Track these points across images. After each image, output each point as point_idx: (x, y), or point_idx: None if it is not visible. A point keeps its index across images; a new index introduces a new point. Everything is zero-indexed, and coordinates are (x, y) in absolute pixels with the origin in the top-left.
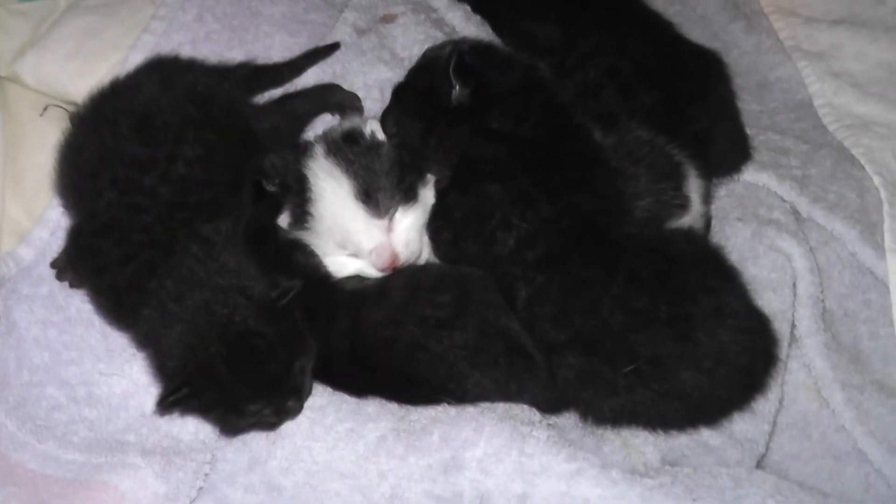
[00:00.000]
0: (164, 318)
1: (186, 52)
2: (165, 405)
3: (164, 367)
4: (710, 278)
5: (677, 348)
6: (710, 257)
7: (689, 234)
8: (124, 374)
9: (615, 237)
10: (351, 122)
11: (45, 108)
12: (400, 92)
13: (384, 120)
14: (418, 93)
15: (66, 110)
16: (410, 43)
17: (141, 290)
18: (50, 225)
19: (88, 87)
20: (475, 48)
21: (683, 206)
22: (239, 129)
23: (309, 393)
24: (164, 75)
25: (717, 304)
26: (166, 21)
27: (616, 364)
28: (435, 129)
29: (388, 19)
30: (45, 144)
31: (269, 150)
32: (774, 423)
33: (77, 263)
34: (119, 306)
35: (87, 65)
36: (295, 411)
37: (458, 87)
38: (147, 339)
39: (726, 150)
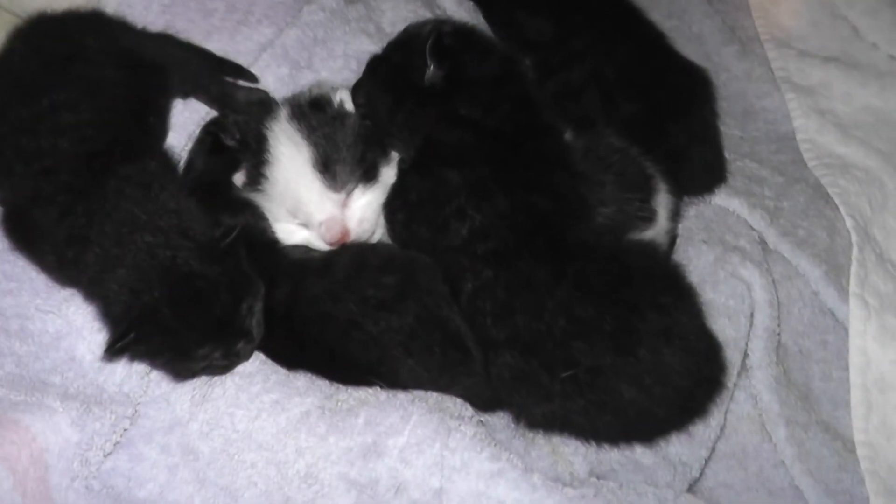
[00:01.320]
0: (107, 264)
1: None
2: (112, 351)
3: (109, 314)
4: (662, 295)
5: (618, 362)
6: (667, 274)
7: (648, 247)
8: (60, 313)
9: (569, 242)
10: (321, 88)
11: None
12: (374, 64)
13: (355, 91)
14: (392, 67)
15: None
16: (398, 20)
17: (82, 240)
18: None
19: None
20: (458, 31)
21: (649, 219)
22: (122, 61)
23: (260, 335)
24: (30, 31)
25: (666, 323)
26: None
27: (553, 370)
28: (403, 105)
29: None
30: None
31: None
32: (713, 450)
33: (16, 241)
34: (62, 263)
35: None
36: (246, 354)
37: (432, 67)
38: (92, 287)
39: (701, 171)
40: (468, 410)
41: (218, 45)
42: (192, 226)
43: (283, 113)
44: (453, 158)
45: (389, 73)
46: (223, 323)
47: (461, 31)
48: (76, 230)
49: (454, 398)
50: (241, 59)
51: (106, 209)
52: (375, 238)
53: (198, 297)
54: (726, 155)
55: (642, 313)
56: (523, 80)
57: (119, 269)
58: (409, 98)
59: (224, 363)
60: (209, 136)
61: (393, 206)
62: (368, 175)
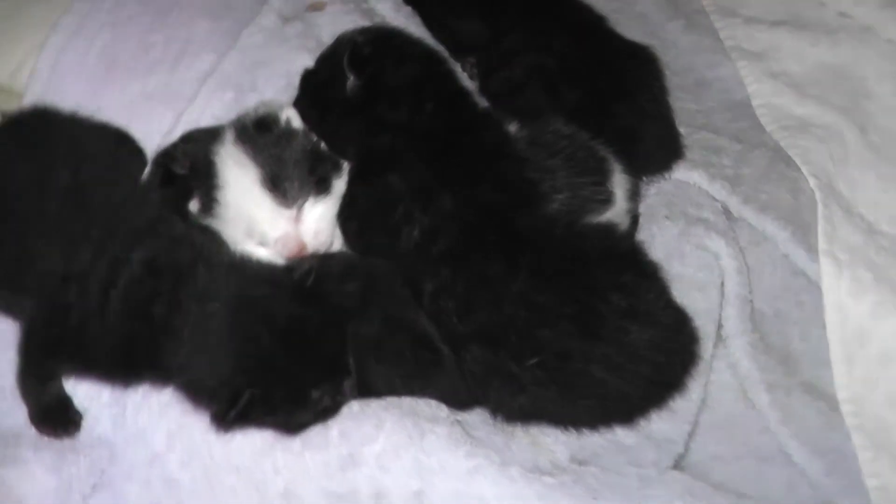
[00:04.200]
0: (201, 339)
1: (107, 35)
2: (230, 420)
3: (206, 386)
4: (623, 275)
5: (584, 345)
6: (627, 254)
7: (606, 229)
8: None
9: (522, 231)
10: (267, 107)
11: None
12: (306, 79)
13: (296, 108)
14: (320, 81)
15: None
16: (337, 32)
17: (164, 331)
18: None
19: (8, 69)
20: (377, 38)
21: (606, 201)
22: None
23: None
24: None
25: (629, 301)
26: (88, 3)
27: (521, 359)
28: (331, 118)
29: (316, 7)
30: None
31: None
32: (696, 424)
33: (57, 361)
34: (129, 364)
35: (6, 46)
36: (351, 391)
37: (351, 79)
38: (181, 370)
39: (656, 148)
40: (443, 411)
41: (160, 79)
42: (274, 273)
43: (229, 136)
44: (391, 163)
45: (318, 86)
46: (333, 360)
47: (381, 38)
48: (153, 325)
49: (428, 401)
50: (186, 89)
51: (183, 292)
52: (335, 248)
53: (307, 336)
54: (682, 129)
55: (603, 294)
56: (448, 77)
57: (217, 337)
58: (336, 110)
59: (332, 406)
60: (160, 168)
61: (344, 216)
62: (320, 188)
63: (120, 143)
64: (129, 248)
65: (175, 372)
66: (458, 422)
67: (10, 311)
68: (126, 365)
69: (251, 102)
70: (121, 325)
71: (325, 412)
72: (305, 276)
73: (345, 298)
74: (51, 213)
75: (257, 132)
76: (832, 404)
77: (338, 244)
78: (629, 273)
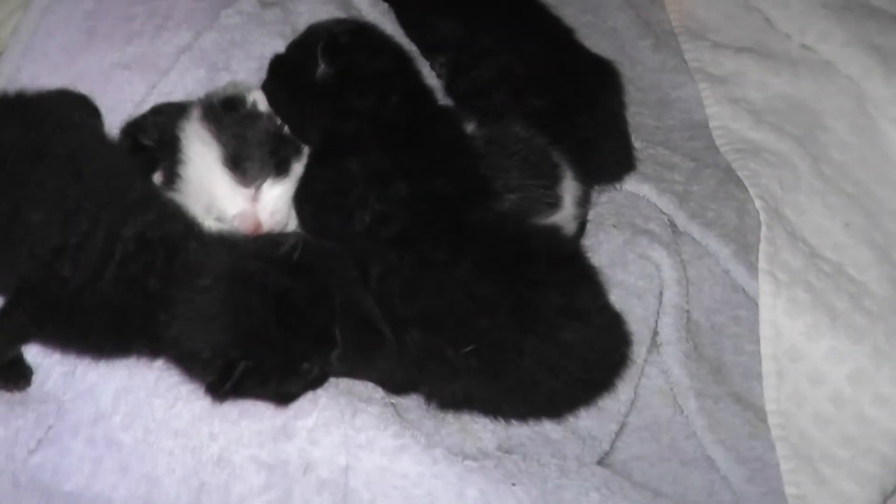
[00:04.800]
0: (194, 312)
1: (91, 2)
2: (226, 391)
3: (200, 358)
4: (562, 274)
5: (518, 338)
6: (569, 255)
7: (551, 230)
8: None
9: (470, 223)
10: (236, 88)
11: None
12: (275, 63)
13: (263, 90)
14: (290, 66)
15: None
16: (314, 21)
17: (159, 304)
18: None
19: None
20: (354, 30)
21: (554, 204)
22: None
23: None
24: None
25: (565, 300)
26: None
27: (457, 345)
28: (298, 101)
29: None
30: None
31: None
32: (624, 424)
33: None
34: (122, 336)
35: None
36: (335, 363)
37: (323, 66)
38: (174, 342)
39: (609, 160)
40: (378, 392)
41: (138, 49)
42: (264, 247)
43: (195, 113)
44: (351, 148)
45: (287, 71)
46: (323, 332)
47: (358, 30)
48: (142, 297)
49: (365, 383)
50: (161, 62)
51: (176, 264)
52: (289, 228)
53: (298, 309)
54: (639, 143)
55: (542, 291)
56: (415, 74)
57: (210, 308)
58: (304, 94)
59: (320, 375)
60: (128, 137)
61: (300, 197)
62: (279, 169)
63: (80, 106)
64: (123, 222)
65: (168, 344)
66: (392, 404)
67: None
68: (118, 337)
69: (222, 81)
70: (115, 297)
71: (314, 382)
72: (292, 249)
73: (329, 272)
74: (44, 183)
75: (223, 111)
76: (759, 415)
77: (293, 224)
78: (568, 273)
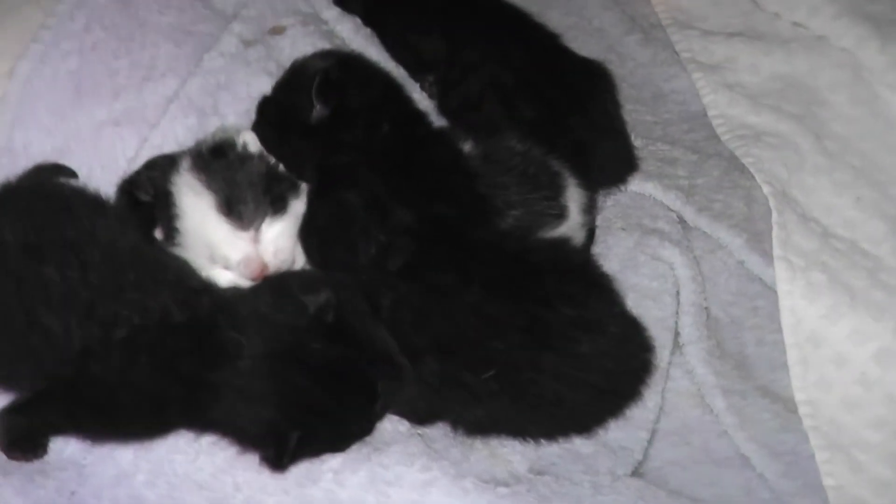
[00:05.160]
0: (235, 393)
1: (74, 62)
2: (285, 462)
3: (250, 433)
4: (573, 287)
5: (535, 356)
6: (577, 267)
7: (557, 243)
8: None
9: (474, 245)
10: (225, 132)
11: None
12: (263, 106)
13: (254, 132)
14: (279, 107)
15: None
16: (298, 55)
17: (195, 386)
18: None
19: None
20: (341, 63)
21: (559, 215)
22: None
23: None
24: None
25: (579, 312)
26: (54, 30)
27: (475, 370)
28: (289, 142)
29: (277, 31)
30: None
31: None
32: (654, 431)
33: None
34: (160, 422)
35: None
36: (381, 416)
37: (318, 107)
38: (218, 422)
39: (610, 162)
40: (403, 426)
41: (126, 104)
42: (295, 314)
43: (185, 164)
44: (347, 181)
45: (276, 113)
46: (366, 390)
47: (344, 64)
48: (192, 383)
49: (389, 416)
50: (150, 114)
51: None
52: (298, 266)
53: (342, 375)
54: (639, 141)
55: (554, 306)
56: (403, 99)
57: (260, 386)
58: (294, 133)
59: (369, 426)
60: (125, 195)
61: (305, 233)
62: (276, 207)
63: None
64: (143, 308)
65: (211, 423)
66: (419, 435)
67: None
68: (157, 424)
69: (213, 126)
70: (150, 386)
71: (363, 433)
72: (324, 311)
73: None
74: (51, 283)
75: (212, 158)
76: (788, 406)
77: (300, 261)
78: (579, 284)
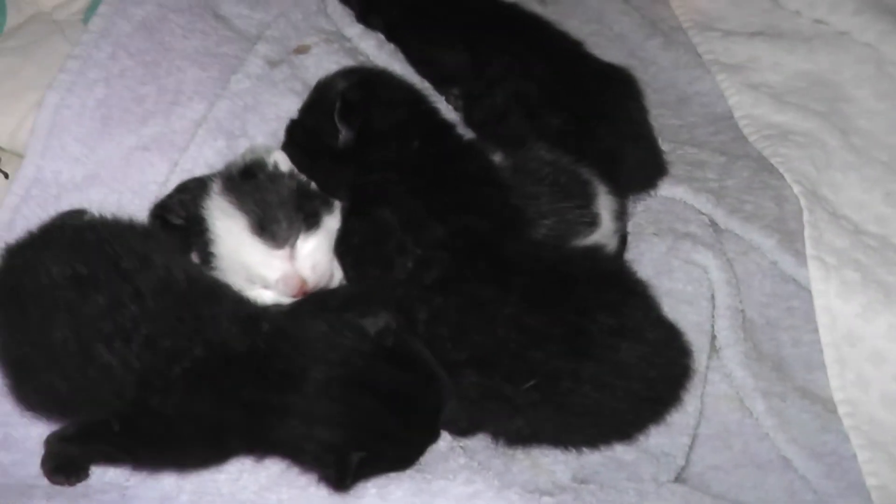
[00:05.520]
0: (301, 417)
1: (101, 90)
2: (347, 483)
3: (310, 453)
4: (609, 295)
5: (575, 365)
6: (612, 274)
7: (591, 251)
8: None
9: (510, 256)
10: (254, 153)
11: None
12: (291, 130)
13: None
14: (307, 132)
15: None
16: (323, 73)
17: (253, 411)
18: None
19: (8, 129)
20: (363, 83)
21: (591, 223)
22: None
23: None
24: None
25: (617, 320)
26: (81, 60)
27: (515, 381)
28: (321, 166)
29: (302, 50)
30: None
31: None
32: (695, 436)
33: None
34: (220, 449)
35: (6, 107)
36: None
37: (343, 132)
38: (280, 444)
39: (639, 168)
40: (445, 439)
41: (154, 129)
42: (357, 339)
43: (216, 187)
44: (382, 198)
45: (305, 137)
46: (432, 411)
47: (367, 82)
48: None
49: None
50: (179, 139)
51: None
52: (335, 282)
53: (407, 399)
54: (666, 145)
55: (591, 315)
56: (432, 114)
57: (326, 409)
58: (325, 158)
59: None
60: (157, 220)
61: (341, 250)
62: (309, 223)
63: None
64: (204, 341)
65: (272, 446)
66: (461, 448)
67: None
68: (217, 451)
69: (242, 148)
70: (211, 417)
71: (424, 451)
72: (384, 335)
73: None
74: (105, 316)
75: (242, 180)
76: (827, 407)
77: (338, 276)
78: (615, 292)
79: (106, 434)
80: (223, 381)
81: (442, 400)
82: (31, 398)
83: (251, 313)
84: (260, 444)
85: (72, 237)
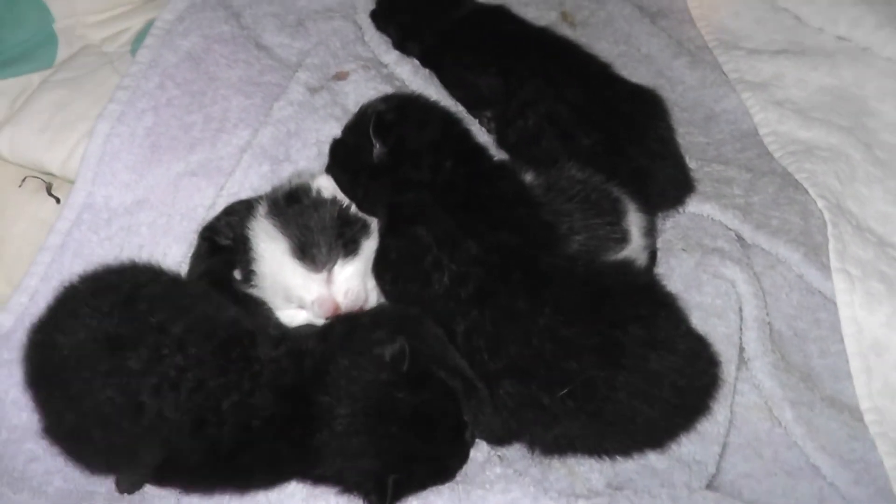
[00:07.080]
0: (337, 451)
1: (150, 119)
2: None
3: (350, 481)
4: (641, 307)
5: (609, 375)
6: (643, 287)
7: (622, 265)
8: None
9: (544, 270)
10: (300, 178)
11: (24, 180)
12: (334, 148)
13: (328, 174)
14: (348, 149)
15: (43, 181)
16: (362, 98)
17: (300, 447)
18: (28, 291)
19: (60, 157)
20: (398, 106)
21: (622, 239)
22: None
23: None
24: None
25: (648, 332)
26: (130, 90)
27: (551, 390)
28: (360, 182)
29: (341, 77)
30: (23, 214)
31: None
32: (725, 444)
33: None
34: (276, 478)
35: (58, 136)
36: (472, 443)
37: (378, 146)
38: (324, 476)
39: (667, 186)
40: (482, 449)
41: (201, 156)
42: (374, 373)
43: (261, 210)
44: (417, 217)
45: (345, 155)
46: (456, 427)
47: (401, 105)
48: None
49: None
50: (225, 164)
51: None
52: (371, 302)
53: (431, 419)
54: (693, 163)
55: (624, 326)
56: (464, 135)
57: (357, 435)
58: (364, 174)
59: (463, 461)
60: (205, 242)
61: (378, 269)
62: (348, 250)
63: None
64: (249, 381)
65: (321, 478)
66: (498, 457)
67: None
68: (274, 479)
69: (286, 172)
70: (264, 448)
71: (461, 463)
72: (397, 360)
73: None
74: (153, 369)
75: (287, 204)
76: (855, 415)
77: (373, 299)
78: (646, 304)
79: (173, 470)
80: (274, 420)
81: (461, 410)
82: (93, 461)
83: (292, 350)
84: (308, 476)
85: (96, 300)
